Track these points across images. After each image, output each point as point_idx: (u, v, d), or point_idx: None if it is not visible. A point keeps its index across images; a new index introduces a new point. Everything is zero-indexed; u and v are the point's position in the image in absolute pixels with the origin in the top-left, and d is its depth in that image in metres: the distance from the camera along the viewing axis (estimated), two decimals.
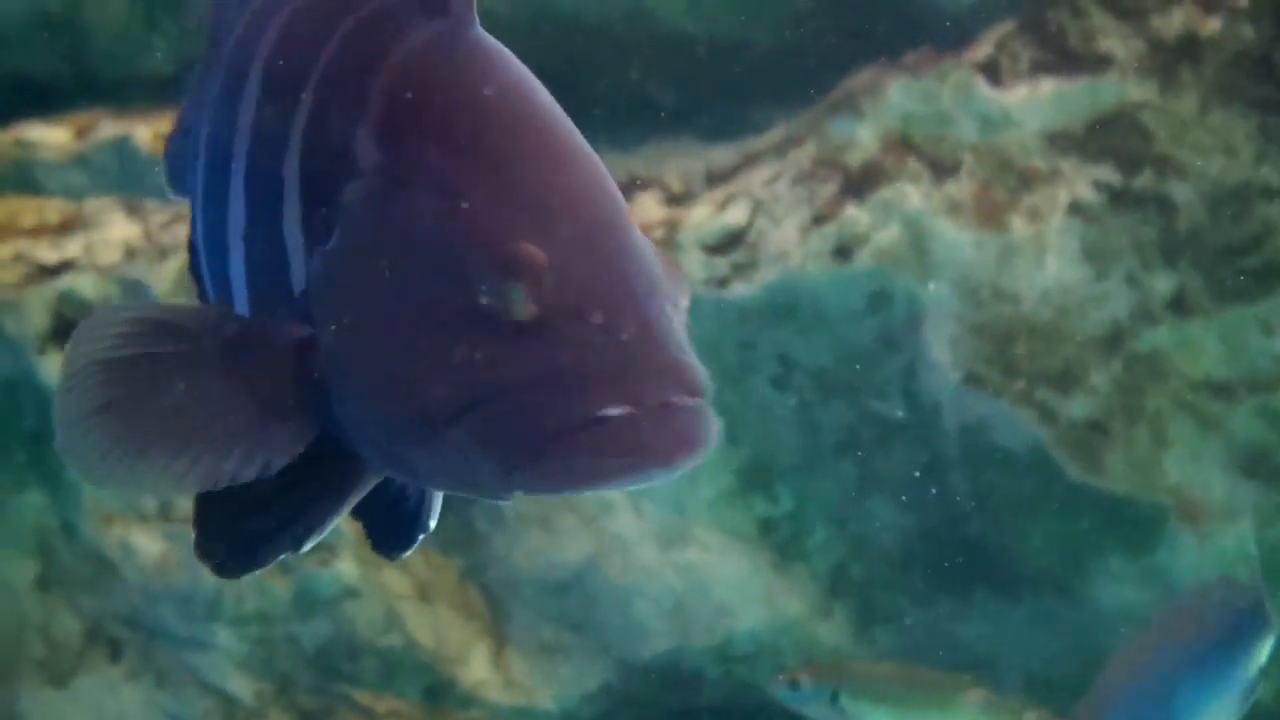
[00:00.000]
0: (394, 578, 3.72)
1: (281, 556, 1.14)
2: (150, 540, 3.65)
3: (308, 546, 1.14)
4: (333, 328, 1.07)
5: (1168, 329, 3.42)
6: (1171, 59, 3.47)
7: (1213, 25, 3.46)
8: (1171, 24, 3.50)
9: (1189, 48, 3.47)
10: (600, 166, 1.11)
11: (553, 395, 1.02)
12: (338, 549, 3.63)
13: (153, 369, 1.07)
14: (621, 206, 1.10)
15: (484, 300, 1.04)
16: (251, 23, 1.25)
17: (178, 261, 3.72)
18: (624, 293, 1.05)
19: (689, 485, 3.85)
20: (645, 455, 1.01)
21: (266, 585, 3.58)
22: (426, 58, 1.12)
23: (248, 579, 3.67)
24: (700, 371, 1.04)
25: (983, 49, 3.60)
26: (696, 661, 3.84)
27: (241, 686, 3.58)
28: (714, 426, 1.03)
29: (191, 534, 1.14)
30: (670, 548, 3.84)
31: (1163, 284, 3.44)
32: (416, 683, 3.70)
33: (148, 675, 3.70)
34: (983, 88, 3.52)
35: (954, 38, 3.68)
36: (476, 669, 3.78)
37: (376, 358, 1.06)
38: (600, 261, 1.06)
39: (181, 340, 1.08)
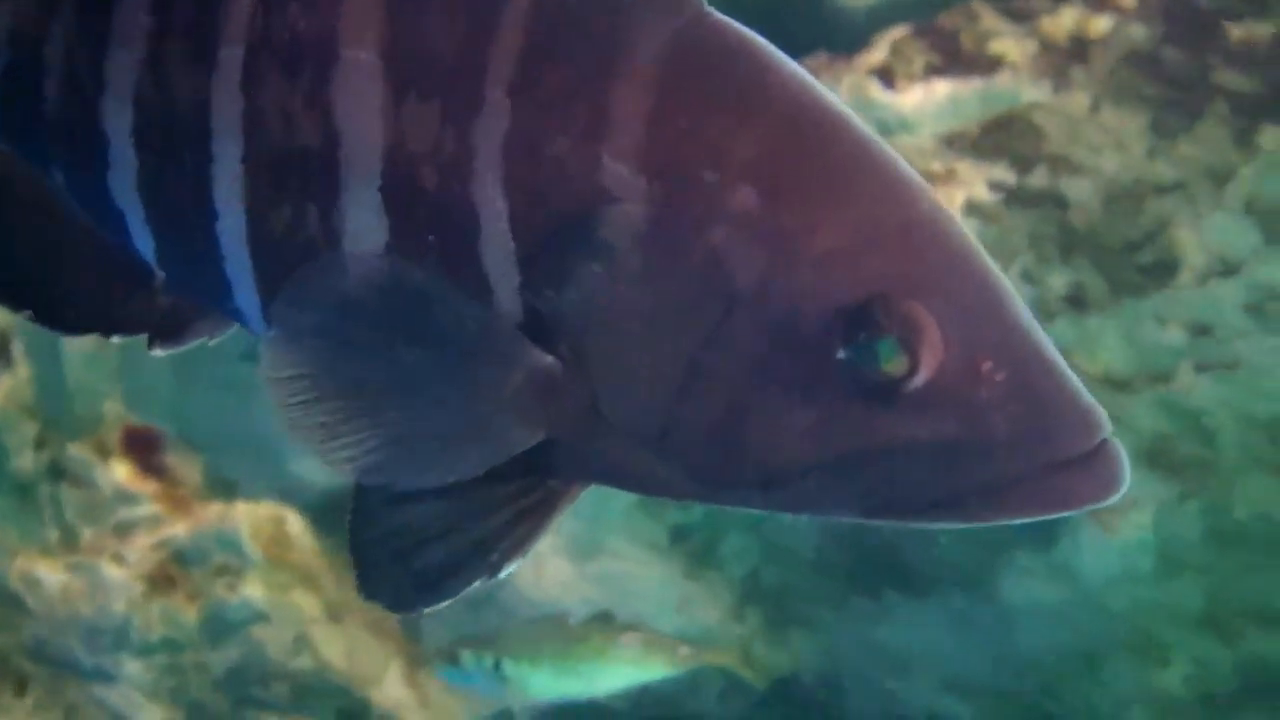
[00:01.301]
0: (304, 599, 3.70)
1: (474, 585, 1.02)
2: (53, 572, 3.62)
3: (505, 573, 1.03)
4: (614, 363, 0.95)
5: (1067, 324, 3.46)
6: (1063, 59, 3.52)
7: (1102, 25, 3.52)
8: (1062, 25, 3.55)
9: (1080, 48, 3.52)
10: (915, 173, 0.98)
11: (967, 454, 0.91)
12: (244, 572, 3.61)
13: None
14: (958, 222, 0.97)
15: (856, 362, 0.91)
16: None
17: None
18: (1022, 338, 0.94)
19: (601, 496, 3.85)
20: (1038, 504, 0.92)
21: (173, 613, 3.55)
22: (684, 57, 0.95)
23: (154, 608, 3.63)
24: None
25: (877, 53, 3.63)
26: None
27: (151, 716, 3.54)
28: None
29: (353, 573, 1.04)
30: (584, 560, 3.85)
31: (1060, 280, 3.48)
32: (330, 705, 3.68)
33: (56, 709, 3.66)
34: (877, 92, 3.56)
35: (849, 42, 3.72)
36: (391, 689, 3.76)
37: (689, 404, 0.94)
38: (983, 304, 0.94)
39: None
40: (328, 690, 3.68)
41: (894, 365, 0.90)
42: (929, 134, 3.54)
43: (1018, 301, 0.96)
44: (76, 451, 3.76)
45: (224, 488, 3.86)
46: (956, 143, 3.53)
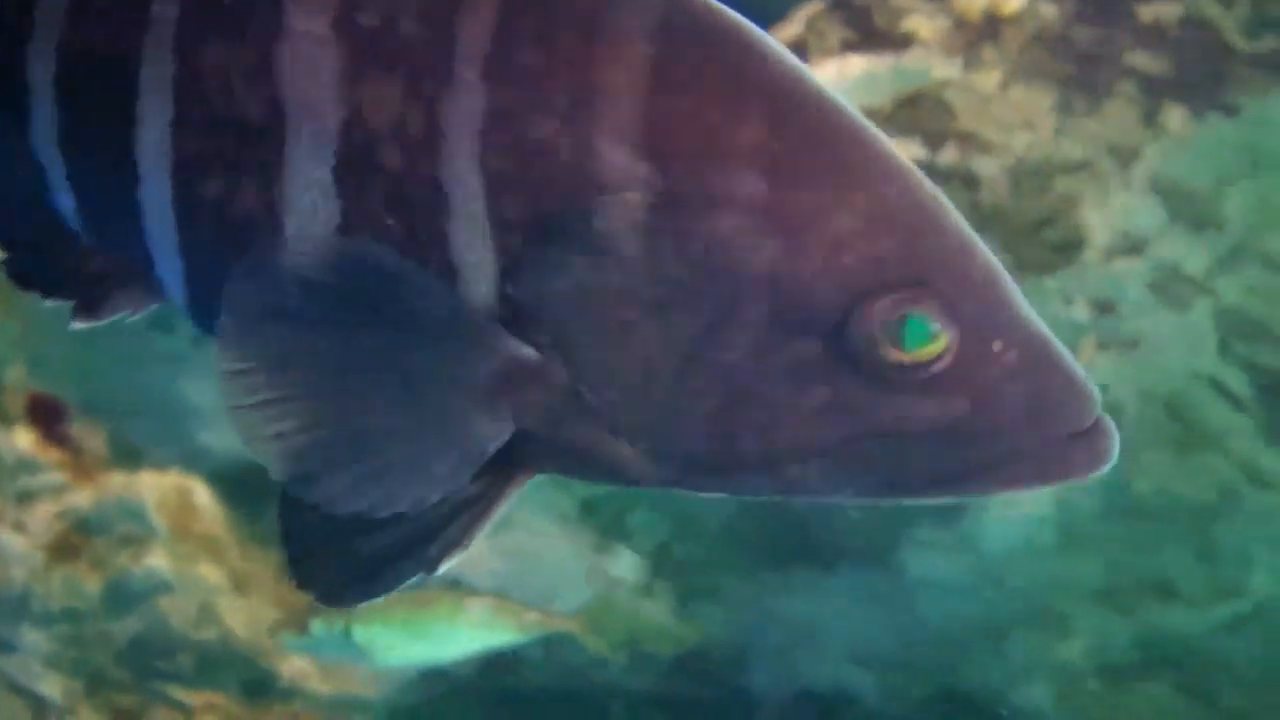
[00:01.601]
0: (209, 571, 3.67)
1: (410, 580, 0.98)
2: None
3: (444, 568, 0.97)
4: (600, 353, 0.92)
5: None
6: (974, 37, 3.55)
7: (1014, 4, 3.54)
8: (975, 3, 3.58)
9: (991, 26, 3.55)
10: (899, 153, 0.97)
11: (978, 436, 0.93)
12: (149, 542, 3.58)
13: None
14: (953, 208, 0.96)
15: (875, 346, 0.90)
16: None
17: None
18: (1026, 318, 0.95)
19: None
20: (1043, 476, 0.95)
21: (75, 583, 3.52)
22: (676, 41, 0.92)
23: (56, 577, 3.60)
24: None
25: (792, 28, 3.65)
26: (517, 645, 3.85)
27: (51, 686, 3.51)
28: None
29: (277, 553, 0.99)
30: (494, 533, 3.84)
31: None
32: (234, 676, 3.66)
33: None
34: None
35: (767, 17, 3.73)
36: (296, 660, 3.75)
37: (688, 393, 0.92)
38: (989, 285, 0.94)
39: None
40: (232, 661, 3.67)
41: (921, 345, 0.91)
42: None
43: (1013, 282, 0.97)
44: None
45: (129, 456, 3.83)
46: (870, 118, 3.54)
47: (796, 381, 0.91)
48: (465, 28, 0.91)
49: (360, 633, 3.16)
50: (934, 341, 0.90)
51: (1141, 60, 3.46)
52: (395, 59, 0.92)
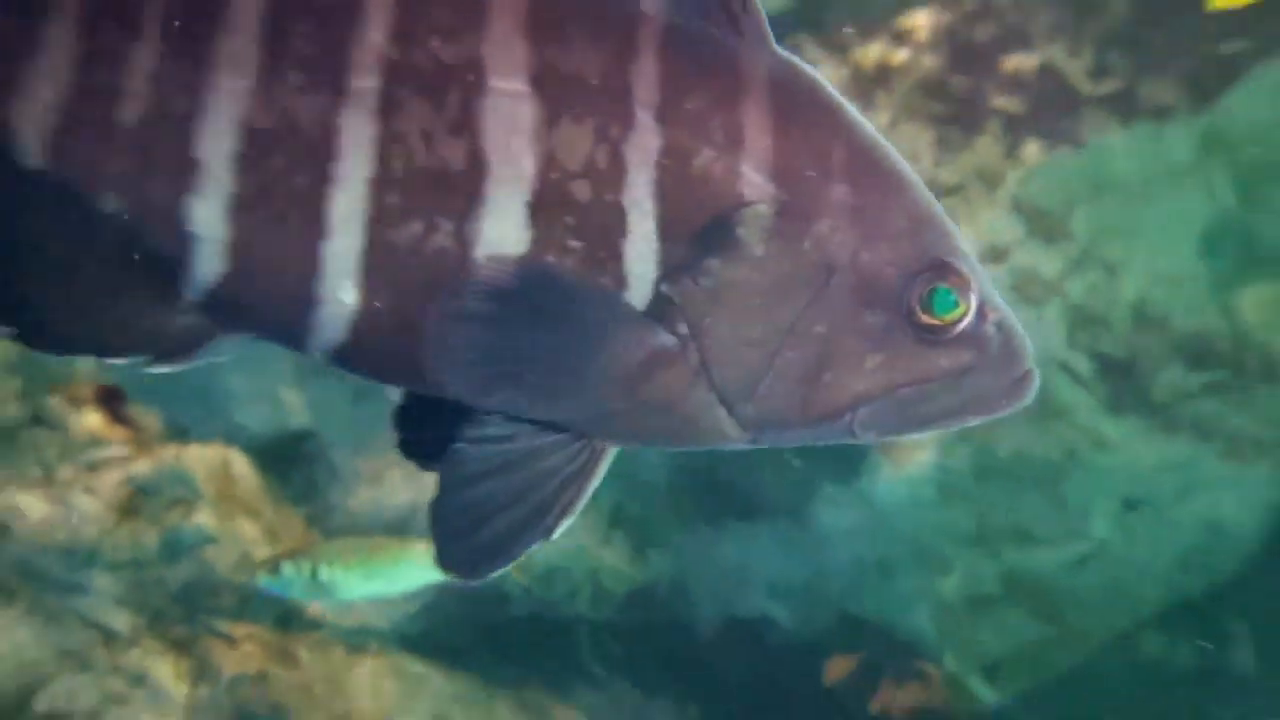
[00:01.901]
0: (246, 526, 3.66)
1: (532, 548, 1.00)
2: (35, 502, 3.55)
3: (559, 532, 1.01)
4: (716, 337, 0.95)
5: None
6: (869, 84, 3.56)
7: (901, 57, 3.56)
8: (870, 56, 3.59)
9: (882, 75, 3.56)
10: None
11: (977, 378, 1.00)
12: (196, 504, 3.56)
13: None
14: None
15: (916, 313, 0.98)
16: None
17: None
18: (994, 293, 1.04)
19: None
20: (1009, 404, 1.03)
21: (137, 537, 3.51)
22: (783, 90, 0.97)
23: (121, 533, 3.58)
24: None
25: None
26: (501, 584, 3.84)
27: (119, 621, 3.50)
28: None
29: (426, 542, 0.99)
30: None
31: None
32: (269, 612, 3.66)
33: (39, 615, 3.59)
34: None
35: None
36: None
37: (774, 362, 0.96)
38: (979, 271, 1.02)
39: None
40: (268, 600, 3.66)
41: (950, 312, 0.98)
42: None
43: None
44: (55, 403, 3.70)
45: (179, 434, 3.81)
46: None
47: (865, 344, 0.98)
48: (639, 81, 0.94)
49: (324, 573, 3.09)
50: (957, 309, 0.99)
51: (1005, 103, 3.47)
52: (583, 109, 0.92)
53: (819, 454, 3.57)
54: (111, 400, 3.78)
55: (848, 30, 3.64)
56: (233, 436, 3.79)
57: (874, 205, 0.97)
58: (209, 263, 0.94)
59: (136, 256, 0.94)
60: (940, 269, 0.98)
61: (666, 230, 0.94)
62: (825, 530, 3.70)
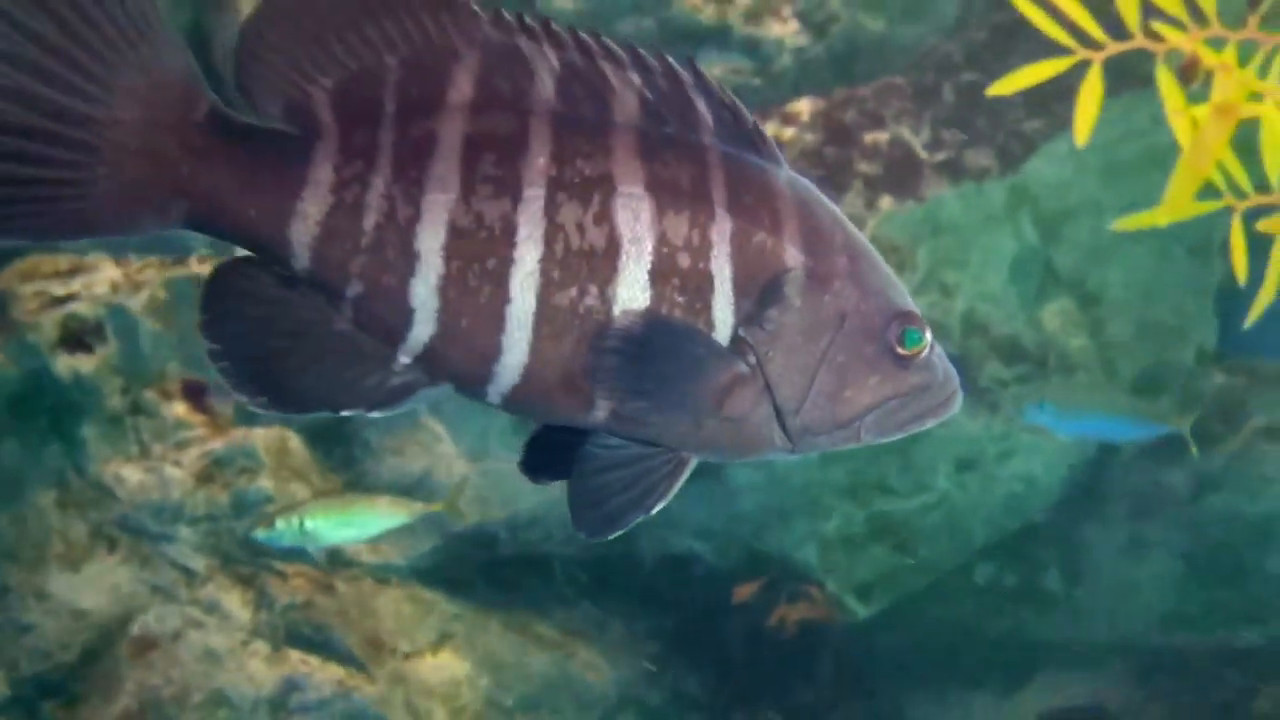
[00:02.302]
0: (298, 488, 3.66)
1: (638, 520, 1.07)
2: (133, 472, 3.54)
3: (656, 510, 1.07)
4: (777, 366, 1.02)
5: None
6: None
7: (789, 133, 3.60)
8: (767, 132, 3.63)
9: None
10: None
11: (928, 393, 1.06)
12: (258, 471, 3.56)
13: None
14: None
15: (894, 347, 1.04)
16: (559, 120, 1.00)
17: (147, 293, 3.61)
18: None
19: (487, 420, 3.86)
20: (949, 410, 1.09)
21: (212, 497, 3.50)
22: (802, 192, 1.05)
23: (200, 494, 3.57)
24: None
25: None
26: (494, 529, 3.85)
27: (197, 563, 3.49)
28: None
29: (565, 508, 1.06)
30: (477, 460, 3.84)
31: None
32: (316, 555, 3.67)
33: (134, 560, 3.58)
34: None
35: None
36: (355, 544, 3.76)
37: (816, 383, 1.03)
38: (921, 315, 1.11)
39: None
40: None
41: (917, 345, 1.05)
42: None
43: None
44: (150, 396, 3.68)
45: (248, 419, 3.80)
46: None
47: (868, 369, 1.04)
48: (713, 186, 1.01)
49: (310, 523, 3.06)
50: (921, 343, 1.05)
51: (865, 168, 3.52)
52: (680, 204, 1.00)
53: None
54: (195, 393, 3.77)
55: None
56: (289, 421, 3.79)
57: (863, 271, 1.04)
58: (421, 329, 0.99)
59: (369, 332, 0.99)
60: (908, 316, 1.05)
61: (739, 289, 1.02)
62: (737, 486, 3.73)
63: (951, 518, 3.69)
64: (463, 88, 0.96)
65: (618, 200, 0.99)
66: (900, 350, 1.05)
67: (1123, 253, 3.48)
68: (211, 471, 3.59)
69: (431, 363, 1.01)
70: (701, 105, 1.01)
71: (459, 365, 1.00)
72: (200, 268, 3.87)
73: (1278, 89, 1.26)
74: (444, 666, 3.62)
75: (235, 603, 3.40)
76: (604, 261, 0.99)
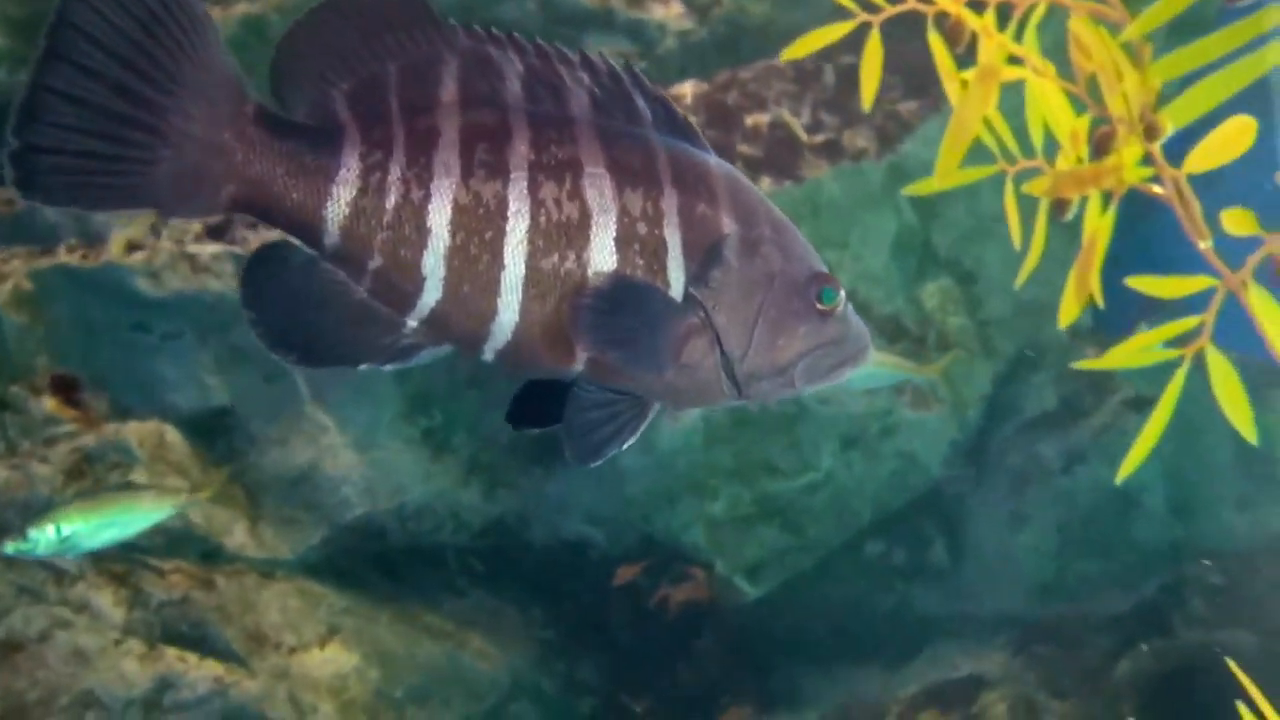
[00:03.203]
0: (176, 482, 3.54)
1: (614, 452, 1.20)
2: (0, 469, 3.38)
3: (629, 443, 1.21)
4: (722, 319, 1.16)
5: None
6: None
7: None
8: None
9: None
10: None
11: (846, 343, 1.20)
12: (132, 466, 3.43)
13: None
14: None
15: (815, 303, 1.18)
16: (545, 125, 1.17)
17: (11, 284, 3.45)
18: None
19: (375, 411, 3.78)
20: (865, 360, 1.22)
21: (82, 493, 3.36)
22: (728, 172, 1.20)
23: (70, 490, 3.41)
24: None
25: None
26: (382, 521, 3.78)
27: (67, 561, 3.35)
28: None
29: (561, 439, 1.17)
30: (365, 450, 3.77)
31: None
32: (194, 550, 3.54)
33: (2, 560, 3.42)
34: None
35: None
36: (239, 537, 3.64)
37: (755, 333, 1.17)
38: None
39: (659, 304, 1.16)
40: (192, 540, 3.55)
41: (833, 301, 1.18)
42: None
43: None
44: (16, 391, 3.53)
45: (123, 413, 3.67)
46: None
47: (796, 322, 1.18)
48: (660, 168, 1.16)
49: (66, 528, 2.83)
50: (836, 299, 1.19)
51: (746, 149, 3.52)
52: (636, 181, 1.16)
53: None
54: (66, 387, 3.62)
55: None
56: (166, 414, 3.66)
57: (785, 239, 1.19)
58: (429, 296, 1.14)
59: (383, 300, 1.15)
60: (824, 277, 1.19)
61: (687, 252, 1.16)
62: (626, 470, 3.72)
63: (838, 496, 3.72)
64: (450, 88, 1.14)
65: (585, 179, 1.15)
66: (820, 306, 1.18)
67: (998, 231, 3.54)
68: (82, 467, 3.45)
69: (436, 326, 1.15)
70: (639, 101, 1.17)
71: (460, 326, 1.15)
72: (69, 257, 3.71)
73: (1034, 54, 1.32)
74: (331, 660, 3.54)
75: (108, 601, 3.27)
76: (578, 231, 1.14)
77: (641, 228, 1.15)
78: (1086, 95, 1.32)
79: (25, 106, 0.99)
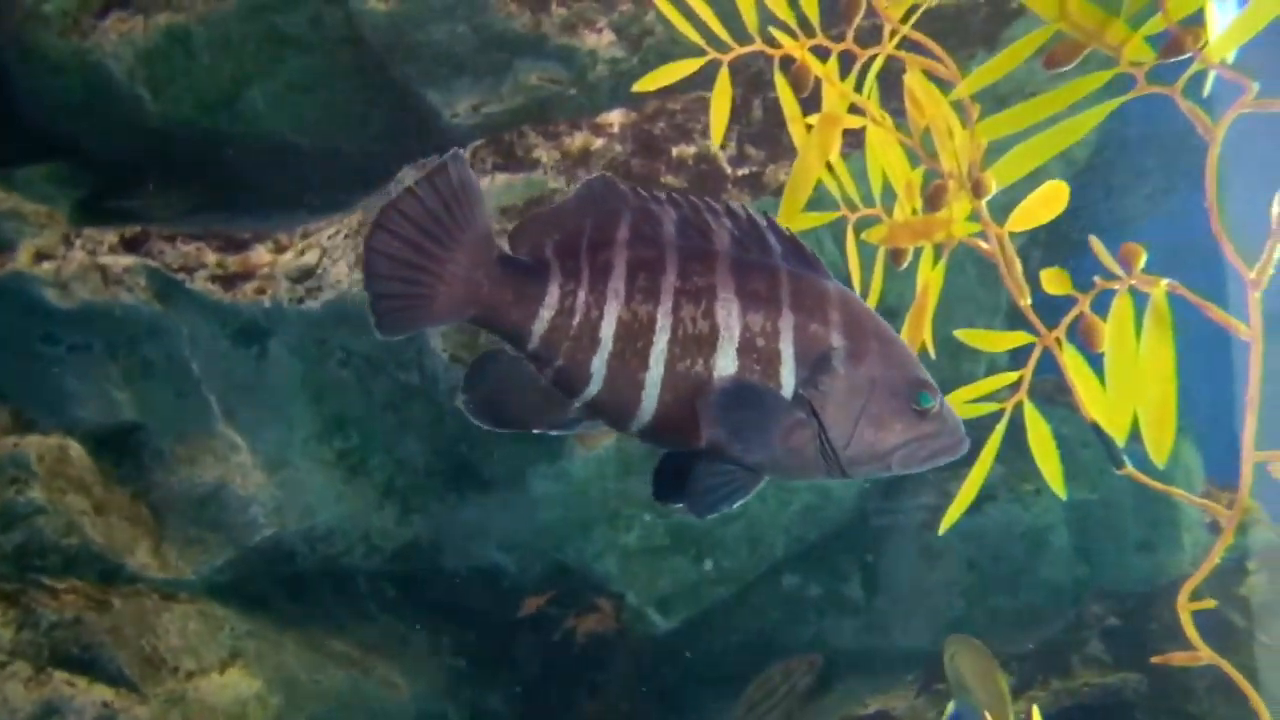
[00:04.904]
0: (75, 500, 3.42)
1: (725, 510, 1.37)
2: None
3: (737, 506, 1.37)
4: (829, 415, 1.34)
5: None
6: (573, 163, 3.56)
7: (598, 143, 3.57)
8: (576, 143, 3.59)
9: (584, 157, 3.57)
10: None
11: (941, 436, 1.36)
12: (29, 481, 3.31)
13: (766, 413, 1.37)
14: None
15: (912, 405, 1.34)
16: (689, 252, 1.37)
17: None
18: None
19: (288, 431, 3.69)
20: (957, 452, 1.38)
21: None
22: (842, 294, 1.36)
23: None
24: None
25: (466, 155, 3.59)
26: (291, 543, 3.70)
27: None
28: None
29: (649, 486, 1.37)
30: (276, 471, 3.68)
31: None
32: (92, 570, 3.42)
33: None
34: None
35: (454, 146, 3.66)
36: (141, 557, 3.53)
37: (858, 427, 1.34)
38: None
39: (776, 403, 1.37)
40: (90, 559, 3.43)
41: (929, 404, 1.34)
42: (494, 206, 3.52)
43: None
44: None
45: (26, 427, 3.54)
46: (509, 212, 3.53)
47: (894, 419, 1.35)
48: (782, 292, 1.34)
49: None
50: (932, 403, 1.35)
51: (672, 180, 3.52)
52: (759, 305, 1.34)
53: (533, 440, 3.54)
54: None
55: (562, 126, 3.63)
56: (70, 428, 3.54)
57: (888, 350, 1.35)
58: (592, 388, 1.36)
59: (559, 387, 1.39)
60: (922, 383, 1.35)
61: (799, 361, 1.34)
62: (539, 498, 3.67)
63: (752, 529, 3.71)
64: (623, 232, 1.38)
65: (718, 303, 1.35)
66: (916, 407, 1.35)
67: (918, 269, 3.56)
68: None
69: (594, 409, 1.40)
70: (771, 239, 1.37)
71: (612, 411, 1.39)
72: None
73: (873, 104, 1.48)
74: (231, 685, 3.43)
75: None
76: (707, 343, 1.35)
77: (760, 341, 1.35)
78: (921, 148, 1.40)
79: (365, 266, 1.36)
